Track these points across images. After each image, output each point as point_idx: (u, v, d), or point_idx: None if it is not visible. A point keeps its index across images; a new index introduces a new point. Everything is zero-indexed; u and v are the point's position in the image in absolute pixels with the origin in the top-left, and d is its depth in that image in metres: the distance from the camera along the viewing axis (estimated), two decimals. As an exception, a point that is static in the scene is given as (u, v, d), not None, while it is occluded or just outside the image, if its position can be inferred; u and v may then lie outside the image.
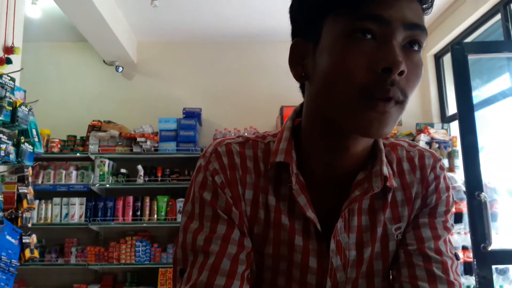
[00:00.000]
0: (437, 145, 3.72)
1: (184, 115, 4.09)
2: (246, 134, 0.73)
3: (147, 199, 3.91)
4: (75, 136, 4.05)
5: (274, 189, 0.69)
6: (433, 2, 0.63)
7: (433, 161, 0.73)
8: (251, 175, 0.69)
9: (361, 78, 0.56)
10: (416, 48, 0.59)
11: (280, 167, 0.68)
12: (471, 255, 2.83)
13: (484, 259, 2.27)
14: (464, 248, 3.18)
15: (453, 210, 0.75)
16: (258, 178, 0.69)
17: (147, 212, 3.88)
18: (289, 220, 0.68)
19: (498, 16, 3.35)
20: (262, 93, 4.24)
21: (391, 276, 0.71)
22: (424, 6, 0.61)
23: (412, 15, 0.58)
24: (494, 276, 2.44)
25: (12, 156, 2.20)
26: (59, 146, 3.95)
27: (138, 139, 3.93)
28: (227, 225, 0.65)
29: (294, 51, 0.67)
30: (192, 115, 4.10)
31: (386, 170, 0.67)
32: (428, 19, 4.04)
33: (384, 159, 0.69)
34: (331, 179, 0.69)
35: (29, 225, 2.40)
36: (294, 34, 0.68)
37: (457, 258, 0.69)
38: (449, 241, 0.70)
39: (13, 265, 2.18)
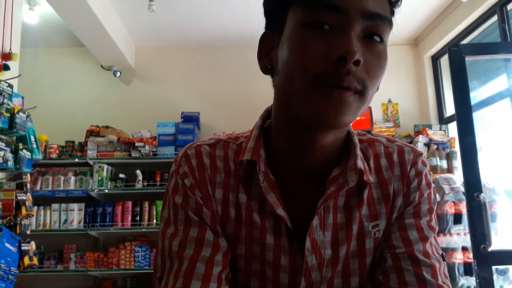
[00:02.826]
0: (435, 146, 3.73)
1: (182, 119, 4.09)
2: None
3: (146, 204, 3.90)
4: (73, 142, 4.04)
5: (245, 188, 0.68)
6: None
7: (413, 157, 0.71)
8: (221, 175, 0.69)
9: (316, 67, 0.56)
10: (377, 39, 0.59)
11: (250, 166, 0.67)
12: (471, 255, 2.83)
13: (484, 260, 2.27)
14: (464, 248, 3.18)
15: (435, 208, 0.73)
16: (228, 177, 0.68)
17: (146, 217, 3.87)
18: (260, 219, 0.66)
19: (495, 18, 3.36)
20: (260, 96, 4.21)
21: (377, 280, 0.68)
22: None
23: (373, 5, 0.57)
24: (494, 276, 2.44)
25: (11, 163, 2.19)
26: (57, 151, 3.94)
27: (137, 144, 3.92)
28: (199, 227, 0.65)
29: (263, 43, 0.67)
30: (191, 119, 4.10)
31: (360, 164, 0.66)
32: (424, 20, 4.06)
33: (359, 153, 0.67)
34: (305, 176, 0.68)
35: (28, 232, 2.39)
36: (265, 27, 0.68)
37: (444, 259, 0.68)
38: (435, 241, 0.69)
39: (12, 272, 2.17)
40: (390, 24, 0.59)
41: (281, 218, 0.65)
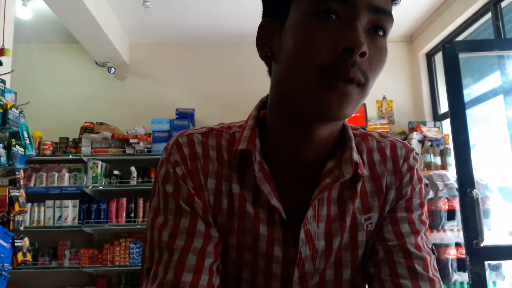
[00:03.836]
0: (429, 143, 3.75)
1: (177, 116, 4.08)
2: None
3: (141, 201, 3.89)
4: (67, 138, 4.02)
5: (239, 178, 0.67)
6: None
7: (405, 152, 0.72)
8: (214, 164, 0.68)
9: (322, 57, 0.57)
10: (381, 33, 0.60)
11: (244, 155, 0.67)
12: (464, 251, 2.85)
13: (477, 256, 2.29)
14: (457, 244, 3.20)
15: (426, 203, 0.74)
16: (221, 167, 0.68)
17: (141, 213, 3.86)
18: (253, 209, 0.66)
19: (489, 15, 3.38)
20: (255, 93, 4.19)
21: (368, 273, 0.69)
22: None
23: (379, 0, 0.58)
24: (487, 272, 2.46)
25: (3, 159, 2.18)
26: (51, 148, 3.92)
27: (131, 140, 3.91)
28: (190, 217, 0.64)
29: (262, 31, 0.67)
30: (185, 115, 4.09)
31: (356, 156, 0.67)
32: (419, 18, 4.07)
33: (354, 146, 0.68)
34: (300, 168, 0.68)
35: (21, 228, 2.38)
36: (264, 14, 0.68)
37: (434, 252, 0.69)
38: (425, 235, 0.69)
39: (6, 269, 2.16)
40: (392, 19, 0.60)
41: (275, 208, 0.65)
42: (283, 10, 0.62)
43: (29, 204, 3.63)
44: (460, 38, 3.80)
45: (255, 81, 4.33)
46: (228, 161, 0.68)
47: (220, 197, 0.67)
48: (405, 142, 0.75)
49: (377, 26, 0.59)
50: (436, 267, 0.68)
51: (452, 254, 3.18)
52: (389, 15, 0.59)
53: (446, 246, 3.18)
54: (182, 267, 0.60)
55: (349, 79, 0.57)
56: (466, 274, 2.71)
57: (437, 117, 4.15)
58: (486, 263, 2.35)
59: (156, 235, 0.64)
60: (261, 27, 0.67)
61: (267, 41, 0.66)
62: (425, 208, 0.72)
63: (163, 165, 0.69)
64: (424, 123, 3.94)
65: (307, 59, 0.58)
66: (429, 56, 4.30)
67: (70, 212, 3.80)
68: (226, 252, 0.67)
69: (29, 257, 2.36)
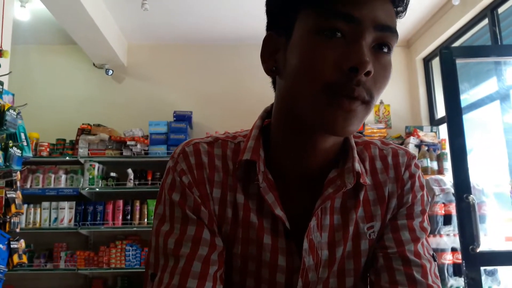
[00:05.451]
0: (426, 148, 3.76)
1: (174, 118, 4.08)
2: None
3: (137, 203, 3.88)
4: (64, 140, 4.01)
5: (243, 188, 0.68)
6: (407, 6, 0.63)
7: (407, 159, 0.73)
8: (219, 174, 0.69)
9: (327, 76, 0.57)
10: (385, 50, 0.60)
11: (249, 165, 0.67)
12: (460, 256, 2.86)
13: (473, 261, 2.29)
14: (453, 249, 3.21)
15: (428, 209, 0.74)
16: (226, 177, 0.69)
17: (137, 216, 3.86)
18: (257, 219, 0.67)
19: (486, 21, 3.40)
20: (253, 96, 4.24)
21: (369, 280, 0.70)
22: (397, 9, 0.62)
23: (384, 17, 0.58)
24: (483, 277, 2.47)
25: (0, 161, 2.17)
26: (48, 149, 3.91)
27: (128, 143, 3.91)
28: (196, 225, 0.65)
29: (267, 44, 0.67)
30: (183, 118, 4.09)
31: (358, 166, 0.67)
32: (417, 23, 4.09)
33: (356, 156, 0.68)
34: (302, 177, 0.68)
35: (17, 230, 2.37)
36: (268, 27, 0.68)
37: (434, 259, 0.69)
38: (427, 242, 0.70)
39: (1, 270, 2.16)
40: (397, 35, 0.61)
41: (279, 218, 0.66)
42: (288, 25, 0.62)
43: (25, 206, 3.62)
44: (457, 43, 3.82)
45: (253, 84, 4.35)
46: (232, 171, 0.69)
47: (225, 207, 0.68)
48: (407, 149, 0.75)
49: (382, 43, 0.59)
50: (437, 274, 0.68)
51: (448, 259, 3.19)
52: (394, 32, 0.60)
53: (442, 251, 3.19)
54: (188, 273, 0.61)
55: (354, 97, 0.57)
56: (462, 279, 2.72)
57: (434, 122, 4.17)
58: (482, 268, 2.36)
59: (161, 242, 0.65)
60: (266, 40, 0.67)
61: (272, 55, 0.66)
62: (427, 215, 0.72)
63: (169, 173, 0.69)
64: (421, 128, 3.96)
65: (312, 77, 0.58)
66: (426, 61, 4.32)
67: (66, 213, 3.79)
68: (230, 261, 0.68)
69: (24, 259, 2.35)
